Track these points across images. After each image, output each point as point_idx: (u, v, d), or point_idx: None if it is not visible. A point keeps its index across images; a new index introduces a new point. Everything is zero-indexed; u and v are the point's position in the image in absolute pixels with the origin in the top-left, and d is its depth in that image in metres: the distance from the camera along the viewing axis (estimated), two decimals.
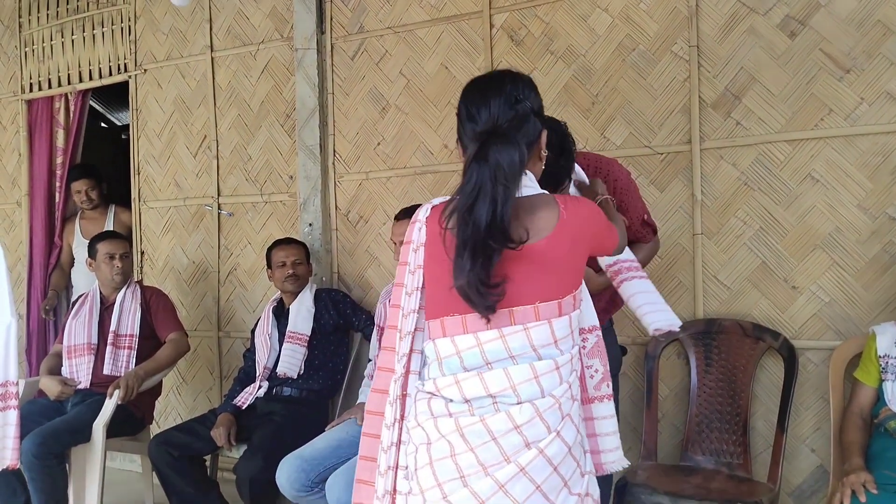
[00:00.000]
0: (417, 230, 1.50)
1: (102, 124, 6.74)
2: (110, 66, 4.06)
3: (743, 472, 2.37)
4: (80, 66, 4.15)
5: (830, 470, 2.24)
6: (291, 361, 2.91)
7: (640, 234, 2.10)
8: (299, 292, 3.03)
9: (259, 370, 2.96)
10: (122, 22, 4.02)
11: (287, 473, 2.30)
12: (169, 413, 3.89)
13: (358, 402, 2.76)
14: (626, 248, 1.84)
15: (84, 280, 3.92)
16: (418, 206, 2.71)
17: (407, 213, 2.67)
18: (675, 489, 2.19)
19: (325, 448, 2.38)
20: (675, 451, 2.62)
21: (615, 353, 2.14)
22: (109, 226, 3.96)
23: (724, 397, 2.49)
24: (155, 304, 3.20)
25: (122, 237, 3.26)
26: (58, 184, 4.19)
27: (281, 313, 3.06)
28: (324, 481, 2.29)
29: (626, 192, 2.04)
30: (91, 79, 4.11)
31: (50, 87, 4.25)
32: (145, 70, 3.97)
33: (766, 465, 2.40)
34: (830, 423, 2.28)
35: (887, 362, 2.08)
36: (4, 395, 2.12)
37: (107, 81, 4.09)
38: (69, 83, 4.18)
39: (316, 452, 2.35)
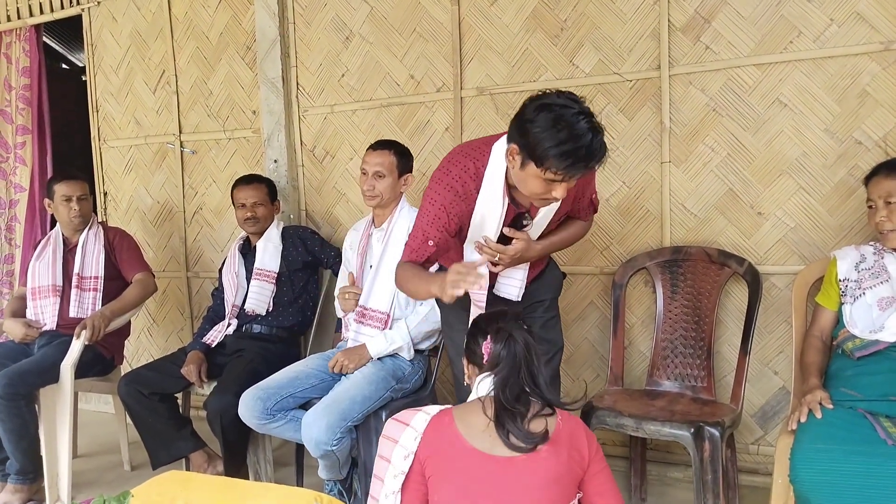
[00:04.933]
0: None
1: (64, 66, 6.48)
2: None
3: (706, 395, 2.41)
4: None
5: (792, 391, 2.28)
6: (259, 298, 2.89)
7: (584, 213, 2.11)
8: (262, 232, 2.98)
9: (228, 308, 2.94)
10: None
11: (246, 404, 2.34)
12: (141, 354, 3.87)
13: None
14: None
15: None
16: (393, 141, 2.57)
17: (383, 145, 2.57)
18: (640, 412, 2.22)
19: (282, 378, 2.42)
20: (642, 376, 2.66)
21: (557, 274, 2.28)
22: None
23: (689, 323, 2.51)
24: (119, 245, 3.13)
25: (80, 177, 3.14)
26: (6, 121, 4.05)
27: (248, 251, 3.02)
28: (282, 410, 2.33)
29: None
30: (42, 12, 3.93)
31: None
32: (98, 2, 3.79)
33: (729, 388, 2.44)
34: (793, 346, 2.31)
35: (847, 286, 2.10)
36: None
37: (59, 15, 3.91)
38: (19, 17, 3.99)
39: (273, 382, 2.40)
